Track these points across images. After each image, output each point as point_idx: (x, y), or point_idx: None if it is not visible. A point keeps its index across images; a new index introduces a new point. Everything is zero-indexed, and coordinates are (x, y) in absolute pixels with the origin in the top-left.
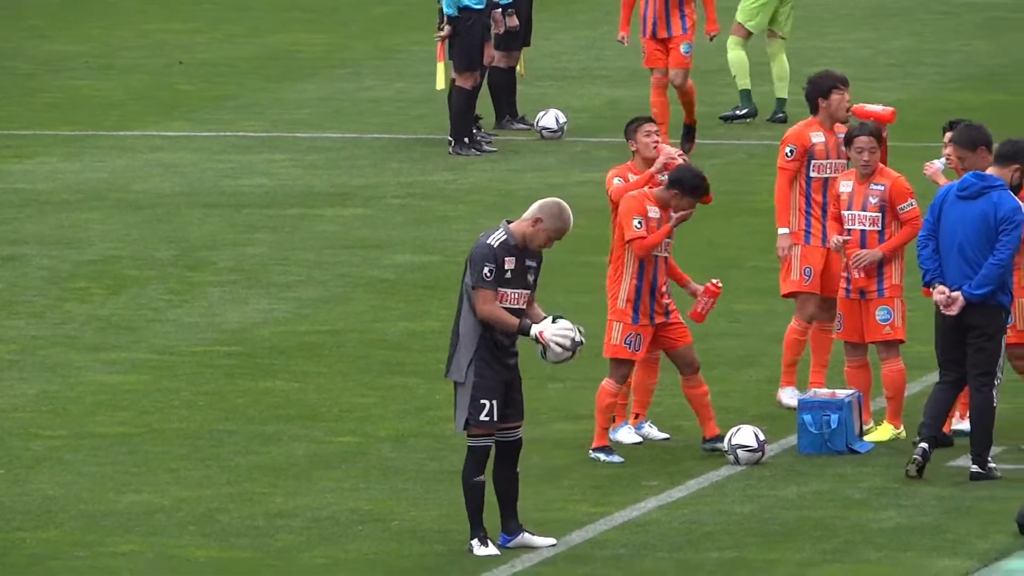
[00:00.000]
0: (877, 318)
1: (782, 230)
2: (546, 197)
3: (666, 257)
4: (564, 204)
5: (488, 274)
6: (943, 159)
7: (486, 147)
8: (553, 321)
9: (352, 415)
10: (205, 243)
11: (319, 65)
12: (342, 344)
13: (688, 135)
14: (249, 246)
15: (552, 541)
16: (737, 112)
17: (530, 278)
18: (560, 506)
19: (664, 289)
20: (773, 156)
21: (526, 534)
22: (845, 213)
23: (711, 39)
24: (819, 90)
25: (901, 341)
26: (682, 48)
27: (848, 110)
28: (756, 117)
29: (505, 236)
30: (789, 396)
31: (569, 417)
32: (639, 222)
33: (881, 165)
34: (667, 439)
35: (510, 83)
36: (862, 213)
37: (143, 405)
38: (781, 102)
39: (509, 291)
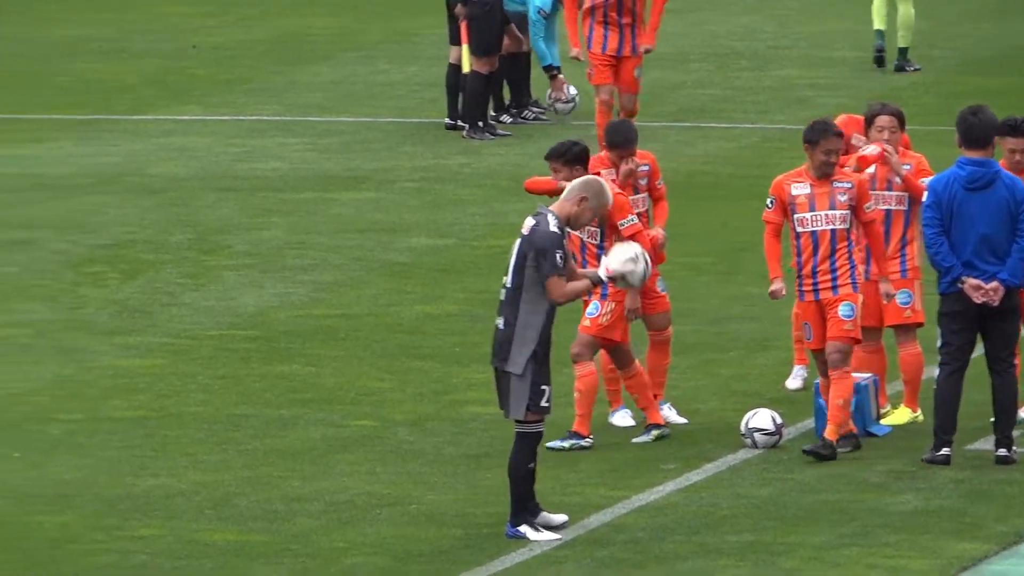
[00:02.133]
0: (898, 301)
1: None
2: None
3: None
4: (604, 182)
5: (560, 261)
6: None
7: (500, 131)
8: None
9: (369, 399)
10: (220, 227)
11: (332, 48)
12: (358, 328)
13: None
14: (264, 230)
15: (565, 517)
16: (908, 67)
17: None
18: (578, 490)
19: None
20: (789, 139)
21: (544, 512)
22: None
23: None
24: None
25: (920, 325)
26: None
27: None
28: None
29: (556, 220)
30: (793, 377)
31: None
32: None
33: (905, 149)
34: (686, 423)
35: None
36: (887, 193)
37: (159, 389)
38: (903, 52)
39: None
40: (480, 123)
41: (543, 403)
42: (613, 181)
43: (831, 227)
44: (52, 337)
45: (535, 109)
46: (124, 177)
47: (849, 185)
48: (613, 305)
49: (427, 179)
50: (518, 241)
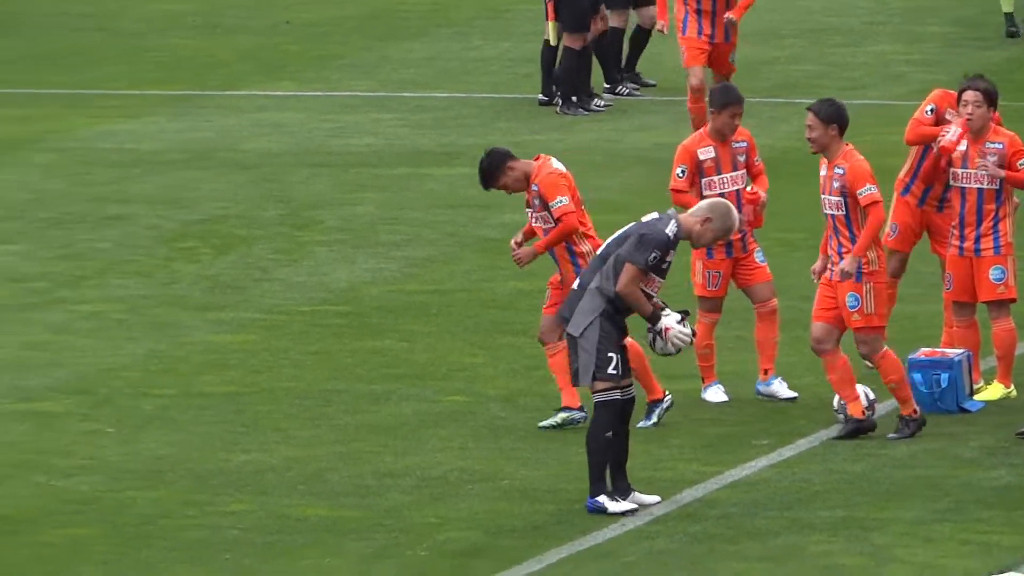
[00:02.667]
0: (991, 277)
1: None
2: (653, 158)
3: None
4: (732, 206)
5: (652, 260)
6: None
7: (595, 106)
8: (680, 320)
9: (461, 374)
10: (313, 202)
11: (426, 24)
12: (450, 303)
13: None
14: (357, 205)
15: (657, 498)
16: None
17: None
18: (670, 465)
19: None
20: (883, 114)
21: (636, 493)
22: (958, 171)
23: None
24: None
25: (1013, 300)
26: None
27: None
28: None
29: (677, 229)
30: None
31: (669, 376)
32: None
33: (996, 126)
34: (795, 398)
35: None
36: (979, 171)
37: (252, 364)
38: (1009, 17)
39: (657, 279)
40: (573, 98)
41: (610, 370)
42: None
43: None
44: (145, 313)
45: (630, 85)
46: (217, 153)
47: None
48: None
49: (520, 154)
50: (633, 223)
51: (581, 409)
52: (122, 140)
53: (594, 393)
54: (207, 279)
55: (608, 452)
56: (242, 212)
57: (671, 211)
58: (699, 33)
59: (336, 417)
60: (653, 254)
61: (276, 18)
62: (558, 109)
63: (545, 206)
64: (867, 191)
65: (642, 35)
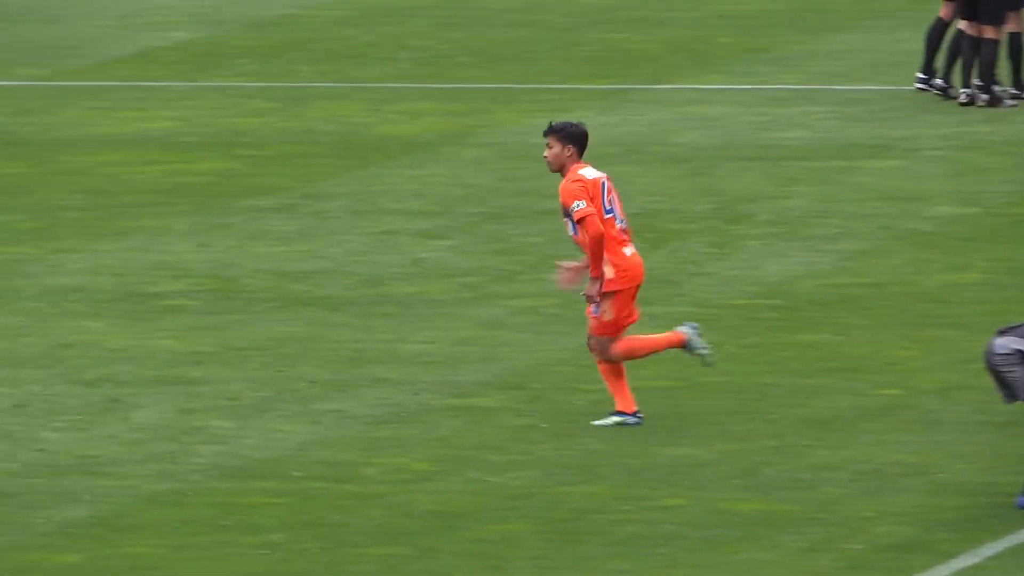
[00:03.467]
0: None
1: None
2: None
3: None
4: None
5: None
6: None
7: (1008, 102)
8: None
9: (895, 368)
10: (744, 196)
11: (853, 17)
12: (883, 296)
13: None
14: (788, 199)
15: None
16: None
17: None
18: None
19: None
20: None
21: None
22: None
23: None
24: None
25: None
26: None
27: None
28: None
29: None
30: None
31: None
32: None
33: None
34: None
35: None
36: None
37: (685, 359)
38: None
39: None
40: (995, 88)
41: None
42: None
43: None
44: (578, 307)
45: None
46: (648, 146)
47: None
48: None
49: (951, 147)
50: None
51: (635, 414)
52: None
53: None
54: None
55: None
56: (674, 206)
57: None
58: None
59: (771, 411)
60: None
61: (706, 11)
62: (982, 101)
63: (566, 213)
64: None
65: None
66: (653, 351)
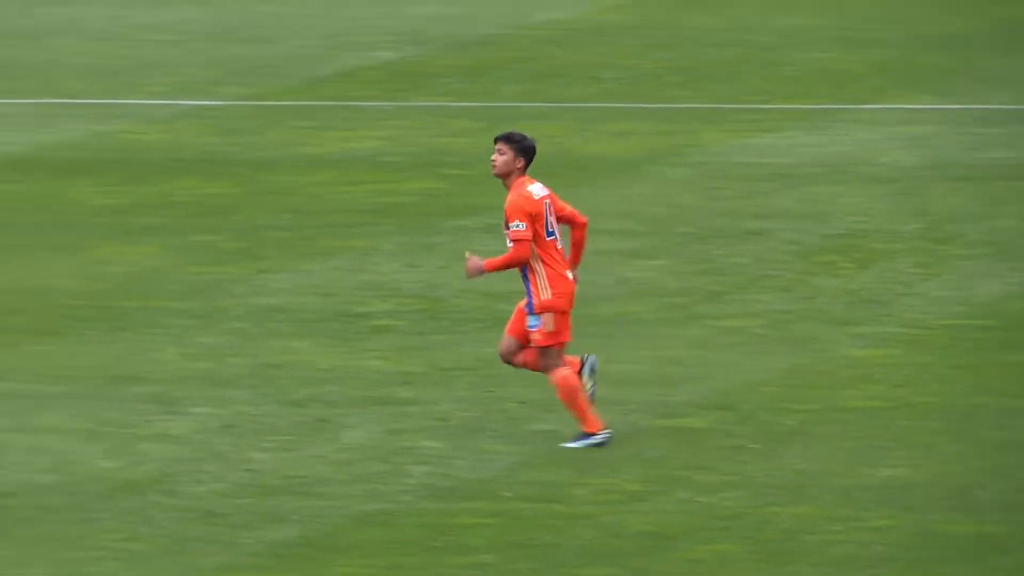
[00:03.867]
0: None
1: None
2: None
3: None
4: None
5: None
6: None
7: None
8: None
9: None
10: (952, 216)
11: None
12: None
13: None
14: (998, 219)
15: None
16: None
17: None
18: None
19: None
20: None
21: None
22: None
23: None
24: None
25: None
26: None
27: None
28: None
29: None
30: None
31: None
32: None
33: None
34: None
35: None
36: None
37: (895, 379)
38: None
39: None
40: None
41: None
42: None
43: None
44: (785, 327)
45: None
46: (854, 167)
47: None
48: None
49: None
50: None
51: (603, 431)
52: (759, 154)
53: None
54: (848, 293)
55: None
56: (880, 226)
57: None
58: None
59: (981, 432)
60: None
61: (908, 32)
62: None
63: (507, 225)
64: None
65: None
66: (581, 412)
